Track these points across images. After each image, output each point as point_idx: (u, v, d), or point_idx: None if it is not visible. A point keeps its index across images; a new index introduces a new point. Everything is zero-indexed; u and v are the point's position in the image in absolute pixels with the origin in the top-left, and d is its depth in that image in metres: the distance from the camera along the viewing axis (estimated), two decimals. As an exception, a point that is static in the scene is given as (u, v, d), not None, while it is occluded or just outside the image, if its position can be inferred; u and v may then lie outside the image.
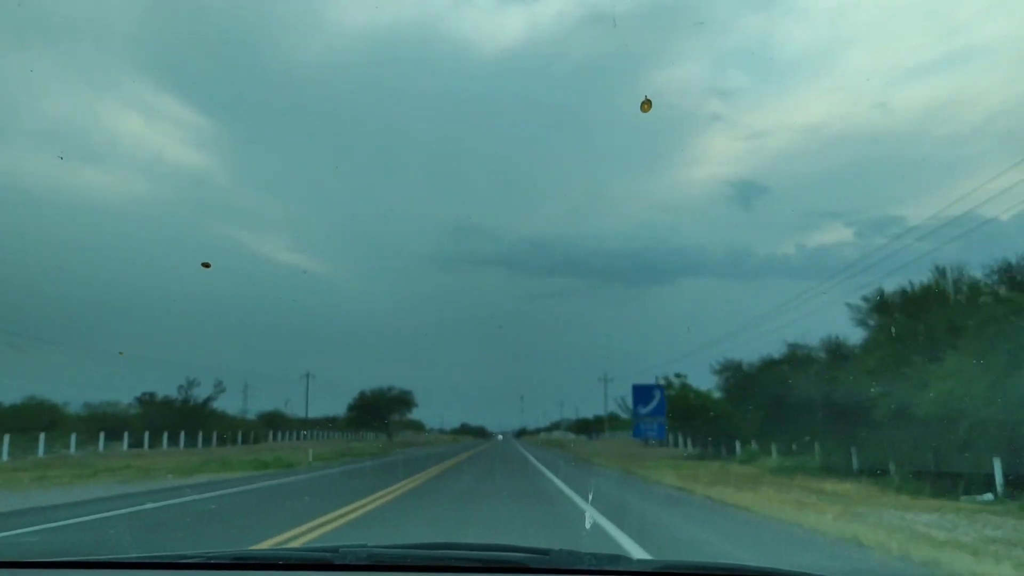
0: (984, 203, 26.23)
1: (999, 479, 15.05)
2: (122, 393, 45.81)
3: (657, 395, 39.39)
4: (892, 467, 19.16)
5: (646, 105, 5.68)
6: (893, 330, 21.04)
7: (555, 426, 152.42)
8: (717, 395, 40.60)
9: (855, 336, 25.86)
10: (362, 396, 74.46)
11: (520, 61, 77.63)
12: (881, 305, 23.29)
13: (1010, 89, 54.01)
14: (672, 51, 74.51)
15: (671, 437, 47.53)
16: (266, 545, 8.05)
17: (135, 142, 71.55)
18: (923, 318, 20.51)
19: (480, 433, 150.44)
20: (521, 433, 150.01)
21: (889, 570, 7.17)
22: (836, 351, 26.82)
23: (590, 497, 14.79)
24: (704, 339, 75.23)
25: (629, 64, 78.17)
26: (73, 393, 47.39)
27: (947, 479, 16.62)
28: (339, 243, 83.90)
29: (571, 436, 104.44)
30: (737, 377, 34.55)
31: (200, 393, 50.47)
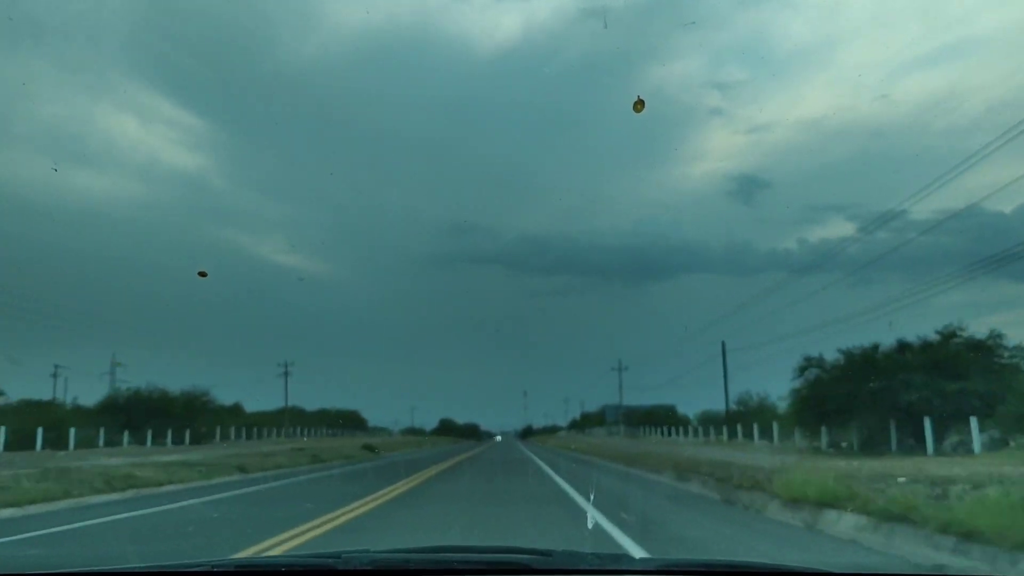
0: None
1: None
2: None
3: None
4: None
5: (639, 105, 5.42)
6: None
7: (589, 419, 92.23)
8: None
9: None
10: None
11: (517, 59, 72.96)
12: None
13: (1010, 81, 49.70)
14: (670, 46, 65.45)
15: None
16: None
17: (131, 145, 66.45)
18: None
19: (470, 434, 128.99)
20: (526, 433, 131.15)
21: (893, 565, 6.42)
22: None
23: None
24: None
25: (627, 60, 62.15)
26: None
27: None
28: (336, 243, 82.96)
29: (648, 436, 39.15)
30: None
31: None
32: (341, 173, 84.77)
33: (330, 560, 2.37)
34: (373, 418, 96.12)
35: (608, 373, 76.68)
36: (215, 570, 2.35)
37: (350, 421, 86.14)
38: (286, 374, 64.78)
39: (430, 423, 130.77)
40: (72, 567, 2.52)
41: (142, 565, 2.48)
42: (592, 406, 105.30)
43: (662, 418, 58.98)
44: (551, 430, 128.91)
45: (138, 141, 73.56)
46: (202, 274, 7.94)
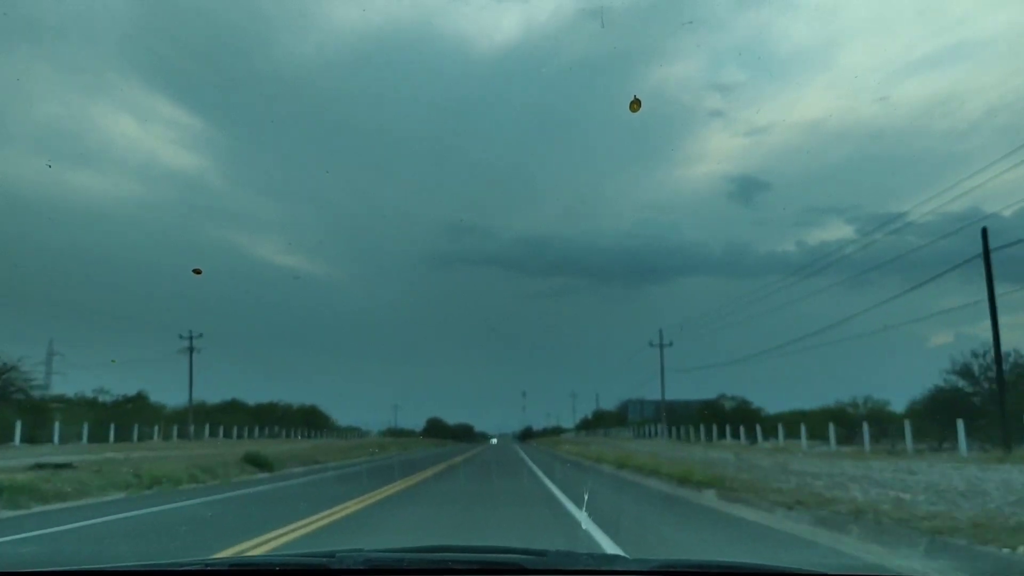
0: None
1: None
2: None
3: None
4: None
5: (635, 105, 5.20)
6: None
7: (604, 418, 75.03)
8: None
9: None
10: None
11: (516, 59, 72.57)
12: None
13: (1010, 83, 53.92)
14: (670, 47, 59.24)
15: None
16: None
17: (128, 144, 69.26)
18: None
19: (463, 435, 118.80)
20: (526, 435, 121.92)
21: (889, 567, 6.30)
22: None
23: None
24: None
25: (626, 61, 63.73)
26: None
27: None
28: (332, 243, 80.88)
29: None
30: None
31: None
32: (338, 173, 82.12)
33: (324, 559, 2.31)
34: (349, 417, 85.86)
35: (613, 372, 72.18)
36: (209, 569, 2.33)
37: (306, 419, 67.77)
38: (191, 350, 46.04)
39: (422, 424, 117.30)
40: (66, 565, 2.50)
41: (136, 564, 2.43)
42: (607, 403, 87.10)
43: (729, 415, 40.72)
44: (555, 431, 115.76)
45: (136, 141, 72.38)
46: (197, 271, 7.60)
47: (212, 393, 67.76)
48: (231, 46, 71.21)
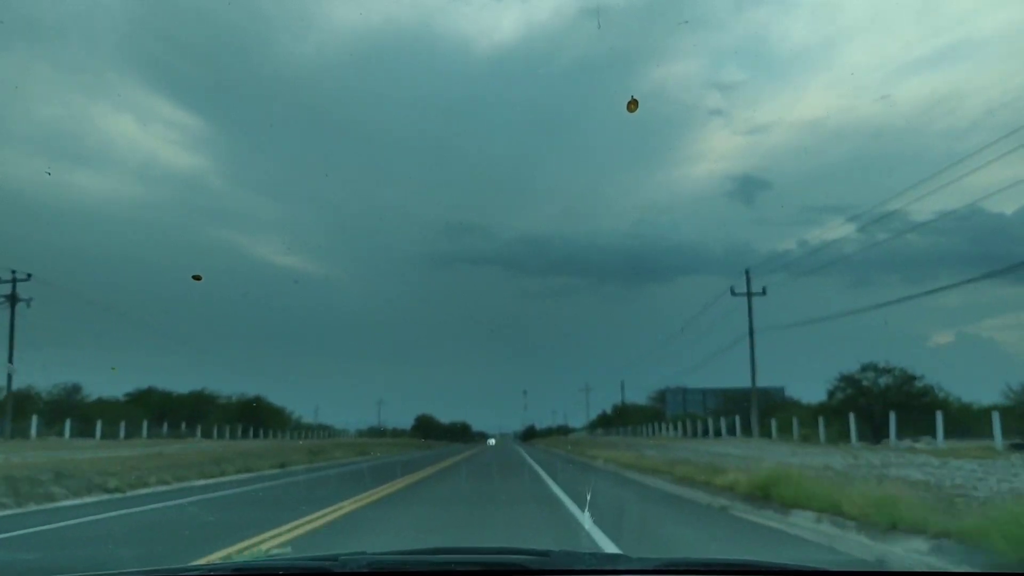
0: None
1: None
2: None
3: None
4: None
5: (632, 105, 5.18)
6: None
7: (628, 413, 60.69)
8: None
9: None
10: None
11: (516, 59, 77.88)
12: None
13: (1009, 82, 54.48)
14: (671, 47, 70.05)
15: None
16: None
17: (128, 145, 67.87)
18: None
19: (459, 435, 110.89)
20: (528, 435, 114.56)
21: (890, 563, 6.58)
22: None
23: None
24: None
25: (627, 60, 69.42)
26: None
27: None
28: (331, 243, 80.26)
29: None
30: None
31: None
32: (338, 173, 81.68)
33: (327, 563, 2.30)
34: (335, 415, 79.34)
35: (618, 369, 71.15)
36: (212, 573, 2.30)
37: (244, 413, 51.92)
38: (13, 300, 29.89)
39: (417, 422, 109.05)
40: (69, 571, 2.62)
41: (138, 569, 2.44)
42: (634, 395, 71.90)
43: (879, 401, 25.15)
44: (561, 431, 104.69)
45: (136, 141, 73.22)
46: (196, 278, 7.51)
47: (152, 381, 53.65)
48: (231, 46, 72.17)
